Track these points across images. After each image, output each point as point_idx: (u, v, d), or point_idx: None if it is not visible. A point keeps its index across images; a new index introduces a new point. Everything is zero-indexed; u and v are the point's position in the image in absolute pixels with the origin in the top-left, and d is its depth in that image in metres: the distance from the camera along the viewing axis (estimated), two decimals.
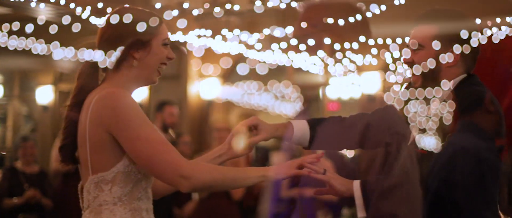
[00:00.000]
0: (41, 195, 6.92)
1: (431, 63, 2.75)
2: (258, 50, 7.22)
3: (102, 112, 2.41)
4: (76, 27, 2.90)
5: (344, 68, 7.39)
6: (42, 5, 5.58)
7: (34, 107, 11.57)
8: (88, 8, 5.62)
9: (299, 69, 8.43)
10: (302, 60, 7.74)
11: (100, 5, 5.49)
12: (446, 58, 2.75)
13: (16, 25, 5.19)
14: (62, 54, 2.53)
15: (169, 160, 2.38)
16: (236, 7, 5.58)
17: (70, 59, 2.54)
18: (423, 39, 2.76)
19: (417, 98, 2.75)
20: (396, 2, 4.93)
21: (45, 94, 11.27)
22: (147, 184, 2.55)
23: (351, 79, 8.94)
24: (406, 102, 2.78)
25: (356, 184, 2.69)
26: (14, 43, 5.69)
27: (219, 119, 9.66)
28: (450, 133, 2.60)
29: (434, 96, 2.72)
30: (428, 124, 2.62)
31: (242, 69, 7.46)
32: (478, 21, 3.00)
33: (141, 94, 10.58)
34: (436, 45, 2.74)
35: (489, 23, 4.87)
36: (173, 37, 6.49)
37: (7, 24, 5.14)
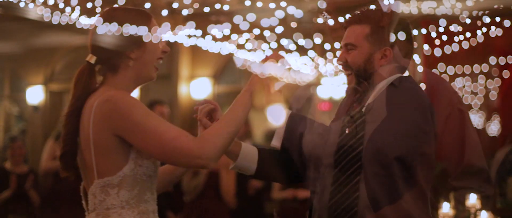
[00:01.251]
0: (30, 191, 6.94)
1: (364, 63, 2.79)
2: (249, 50, 7.22)
3: (107, 116, 2.40)
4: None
5: (335, 68, 7.39)
6: (31, 5, 5.56)
7: (25, 108, 11.53)
8: (78, 8, 5.62)
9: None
10: (293, 60, 7.73)
11: (89, 5, 5.48)
12: (378, 57, 2.80)
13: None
14: (106, 29, 2.52)
15: (179, 147, 2.37)
16: (226, 7, 5.58)
17: (114, 33, 2.52)
18: (356, 39, 2.81)
19: (464, 74, 2.83)
20: (386, 2, 4.92)
21: (35, 94, 11.24)
22: (153, 186, 2.55)
23: (342, 79, 8.94)
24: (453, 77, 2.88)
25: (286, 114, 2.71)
26: (57, 18, 5.67)
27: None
28: (495, 111, 2.72)
29: (481, 72, 2.81)
30: (474, 100, 2.70)
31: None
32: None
33: (131, 94, 10.55)
34: (369, 44, 2.79)
35: (478, 23, 4.87)
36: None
37: None
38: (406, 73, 2.87)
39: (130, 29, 2.50)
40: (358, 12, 2.84)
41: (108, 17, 2.53)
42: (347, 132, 2.74)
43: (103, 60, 2.55)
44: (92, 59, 2.55)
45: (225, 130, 2.46)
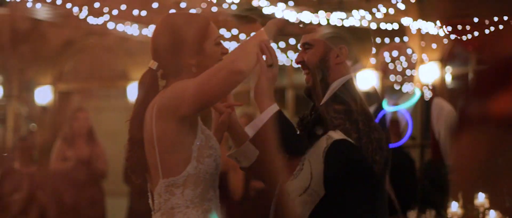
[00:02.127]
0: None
1: (320, 61, 2.81)
2: None
3: (166, 108, 2.48)
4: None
5: None
6: (38, 5, 5.59)
7: (33, 108, 11.56)
8: (85, 8, 5.63)
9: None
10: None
11: (96, 5, 5.49)
12: (334, 55, 2.82)
13: None
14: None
15: (218, 68, 2.47)
16: (233, 7, 5.58)
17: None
18: (312, 38, 2.82)
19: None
20: (393, 1, 4.95)
21: (44, 95, 11.26)
22: (215, 183, 2.62)
23: None
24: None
25: (273, 108, 2.68)
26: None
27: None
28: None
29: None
30: None
31: None
32: None
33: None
34: (324, 43, 2.81)
35: (486, 21, 4.86)
36: None
37: None
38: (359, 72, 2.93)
39: (188, 36, 2.56)
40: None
41: (166, 23, 2.61)
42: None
43: (164, 66, 2.61)
44: (153, 65, 2.62)
45: (233, 53, 2.55)
